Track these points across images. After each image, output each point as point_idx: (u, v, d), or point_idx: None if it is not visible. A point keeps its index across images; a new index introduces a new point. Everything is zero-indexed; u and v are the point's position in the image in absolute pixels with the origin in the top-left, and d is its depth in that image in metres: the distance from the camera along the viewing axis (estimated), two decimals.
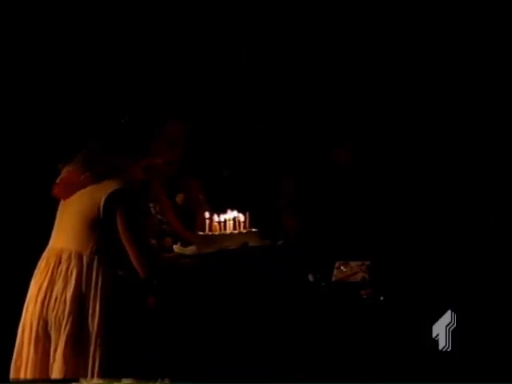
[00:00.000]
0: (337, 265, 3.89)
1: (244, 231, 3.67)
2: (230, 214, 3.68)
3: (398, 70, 4.86)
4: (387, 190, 4.20)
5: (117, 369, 3.24)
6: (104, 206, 3.25)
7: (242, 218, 3.68)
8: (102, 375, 3.21)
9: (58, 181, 3.42)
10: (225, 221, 3.65)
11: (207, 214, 3.65)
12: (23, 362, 3.33)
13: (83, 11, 4.77)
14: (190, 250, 3.64)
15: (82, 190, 3.33)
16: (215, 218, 3.65)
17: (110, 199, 3.25)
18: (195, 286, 3.58)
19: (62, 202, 3.41)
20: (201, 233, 3.64)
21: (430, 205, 4.27)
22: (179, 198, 3.87)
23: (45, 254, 3.40)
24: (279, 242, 3.76)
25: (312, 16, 4.97)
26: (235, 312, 3.67)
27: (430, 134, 4.71)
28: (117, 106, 3.96)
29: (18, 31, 4.67)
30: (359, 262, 3.88)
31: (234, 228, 3.68)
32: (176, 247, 3.68)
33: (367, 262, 3.87)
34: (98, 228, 3.28)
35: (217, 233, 3.65)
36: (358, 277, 3.88)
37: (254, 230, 3.69)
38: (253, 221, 3.71)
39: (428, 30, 4.84)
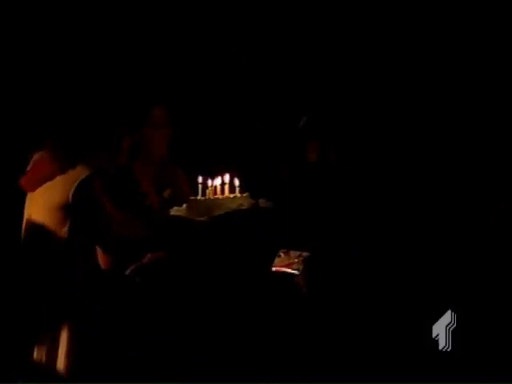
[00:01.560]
0: (278, 253, 3.85)
1: (244, 195, 3.60)
2: (226, 178, 3.62)
3: (398, 71, 4.87)
4: (385, 189, 4.19)
5: (90, 363, 3.24)
6: (73, 195, 3.25)
7: (237, 181, 3.62)
8: (70, 369, 3.21)
9: (25, 173, 3.41)
10: (222, 184, 3.59)
11: (200, 179, 3.61)
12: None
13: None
14: (180, 210, 3.58)
15: (50, 182, 3.32)
16: (210, 182, 3.59)
17: (80, 188, 3.24)
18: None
19: (29, 195, 3.40)
20: (200, 198, 3.57)
21: (430, 205, 4.26)
22: (166, 193, 3.88)
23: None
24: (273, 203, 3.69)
25: (311, 16, 4.97)
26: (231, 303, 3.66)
27: (430, 134, 4.71)
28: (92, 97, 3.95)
29: None
30: (298, 252, 3.84)
31: (230, 192, 3.60)
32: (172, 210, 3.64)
33: (305, 254, 3.83)
34: (69, 217, 3.28)
35: (220, 197, 3.56)
36: (294, 266, 3.84)
37: (247, 193, 3.62)
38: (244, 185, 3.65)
39: (418, 26, 4.84)
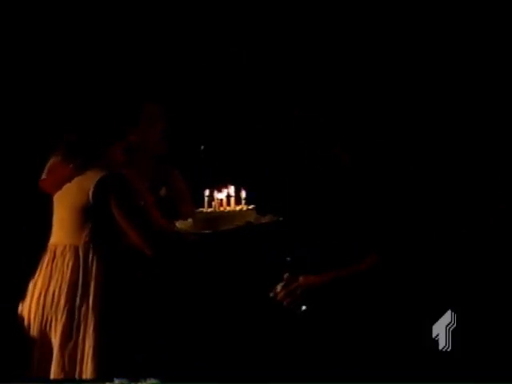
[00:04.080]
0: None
1: (250, 207, 3.59)
2: (231, 190, 3.61)
3: (398, 70, 4.86)
4: (387, 189, 4.19)
5: (114, 364, 3.24)
6: (93, 194, 3.26)
7: (243, 194, 3.61)
8: (97, 371, 3.20)
9: (43, 176, 3.42)
10: (228, 197, 3.58)
11: (207, 192, 3.60)
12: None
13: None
14: (185, 225, 3.58)
15: (69, 183, 3.33)
16: (217, 195, 3.58)
17: (99, 187, 3.25)
18: (200, 272, 3.56)
19: (54, 198, 3.41)
20: (209, 210, 3.56)
21: (430, 204, 4.26)
22: (162, 192, 3.87)
23: (45, 252, 3.41)
24: (280, 218, 3.67)
25: (312, 16, 4.97)
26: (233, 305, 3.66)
27: (430, 133, 4.70)
28: (94, 91, 3.96)
29: None
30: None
31: (236, 204, 3.60)
32: (178, 223, 3.63)
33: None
34: (90, 218, 3.29)
35: (227, 210, 3.55)
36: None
37: (253, 206, 3.62)
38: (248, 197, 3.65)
39: (423, 27, 4.84)
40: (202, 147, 4.42)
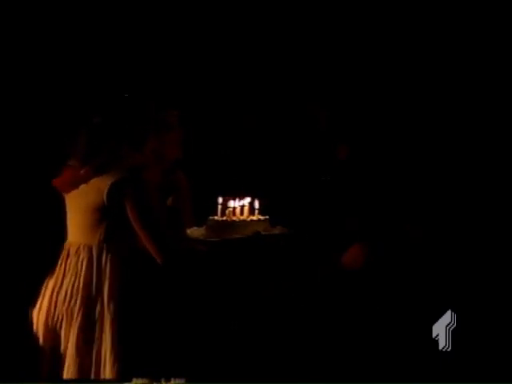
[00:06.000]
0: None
1: (262, 218, 3.61)
2: (246, 200, 3.62)
3: (398, 69, 4.87)
4: (387, 184, 4.19)
5: (132, 363, 3.24)
6: (108, 196, 3.26)
7: (257, 204, 3.62)
8: (116, 371, 3.21)
9: (59, 176, 3.42)
10: (242, 206, 3.60)
11: (220, 200, 3.61)
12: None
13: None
14: (198, 232, 3.59)
15: (85, 184, 3.34)
16: (231, 203, 3.59)
17: (114, 189, 3.26)
18: (209, 277, 3.57)
19: (66, 197, 3.41)
20: (222, 218, 3.56)
21: (431, 203, 4.27)
22: (169, 201, 3.87)
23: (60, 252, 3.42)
24: (291, 231, 3.69)
25: (311, 14, 4.98)
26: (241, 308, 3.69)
27: (429, 131, 4.70)
28: (114, 94, 3.97)
29: None
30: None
31: (250, 214, 3.62)
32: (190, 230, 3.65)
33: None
34: (105, 219, 3.30)
35: (236, 219, 3.57)
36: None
37: (266, 216, 3.64)
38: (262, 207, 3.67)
39: (423, 24, 4.84)
40: (226, 151, 4.44)
